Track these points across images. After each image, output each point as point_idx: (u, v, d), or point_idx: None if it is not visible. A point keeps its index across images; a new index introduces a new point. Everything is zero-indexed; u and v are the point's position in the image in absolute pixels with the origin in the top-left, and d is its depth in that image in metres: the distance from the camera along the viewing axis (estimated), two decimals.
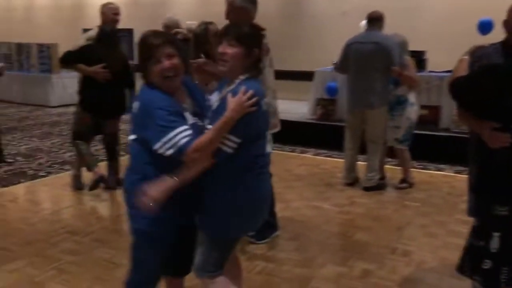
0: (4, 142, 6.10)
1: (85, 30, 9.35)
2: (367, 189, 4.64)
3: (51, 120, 8.47)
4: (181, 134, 1.83)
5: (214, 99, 2.06)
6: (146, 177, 1.95)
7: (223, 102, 1.91)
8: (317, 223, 3.89)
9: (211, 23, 3.39)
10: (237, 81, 1.96)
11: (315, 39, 8.26)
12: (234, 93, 1.88)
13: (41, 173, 5.22)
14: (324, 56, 7.54)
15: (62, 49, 10.40)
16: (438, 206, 4.31)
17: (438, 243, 3.54)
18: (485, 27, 5.75)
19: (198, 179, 1.96)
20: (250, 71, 1.98)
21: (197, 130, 1.91)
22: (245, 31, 1.98)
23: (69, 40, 10.57)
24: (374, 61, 4.42)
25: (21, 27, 12.36)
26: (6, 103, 10.05)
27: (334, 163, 5.76)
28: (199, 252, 2.11)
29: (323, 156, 6.09)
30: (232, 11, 3.08)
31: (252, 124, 1.91)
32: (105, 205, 4.31)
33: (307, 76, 7.40)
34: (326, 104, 6.64)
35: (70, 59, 4.33)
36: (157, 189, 1.87)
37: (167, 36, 2.04)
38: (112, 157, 4.63)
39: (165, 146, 1.84)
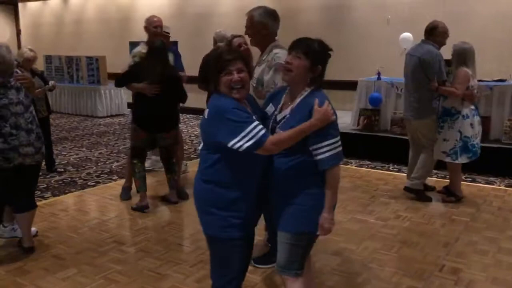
0: (55, 152, 6.38)
1: (132, 43, 9.66)
2: (405, 188, 4.74)
3: (98, 130, 8.78)
4: (258, 127, 2.01)
5: (271, 110, 2.24)
6: (215, 183, 2.12)
7: (300, 107, 2.10)
8: (361, 237, 3.83)
9: (238, 36, 3.42)
10: (305, 92, 2.14)
11: (358, 48, 8.18)
12: (321, 103, 2.06)
13: (89, 183, 5.41)
14: (367, 65, 7.46)
15: (110, 62, 10.85)
16: (489, 221, 4.15)
17: (488, 261, 3.41)
18: None
19: (279, 182, 2.14)
20: (313, 84, 2.14)
21: None
22: (314, 47, 2.12)
23: (116, 53, 11.03)
24: (415, 74, 4.53)
25: (71, 41, 12.92)
26: (58, 114, 10.50)
27: (378, 174, 5.67)
28: (280, 250, 2.22)
29: (366, 168, 6.01)
30: (251, 26, 3.06)
31: (336, 128, 2.13)
32: (151, 216, 4.40)
33: (350, 85, 7.33)
34: (369, 114, 6.54)
35: (122, 82, 4.50)
36: (328, 221, 2.16)
37: (239, 53, 2.21)
38: (170, 169, 4.65)
39: (244, 139, 1.99)
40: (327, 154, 2.07)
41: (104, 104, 10.33)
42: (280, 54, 2.97)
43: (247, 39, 3.25)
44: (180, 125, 9.29)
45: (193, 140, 7.92)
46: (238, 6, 9.68)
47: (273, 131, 2.14)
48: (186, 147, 7.34)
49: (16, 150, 3.19)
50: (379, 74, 6.71)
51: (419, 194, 4.65)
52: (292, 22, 8.75)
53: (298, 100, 2.14)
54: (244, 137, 1.99)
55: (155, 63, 4.27)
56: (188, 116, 10.41)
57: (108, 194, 4.98)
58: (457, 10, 7.33)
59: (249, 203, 2.15)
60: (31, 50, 5.36)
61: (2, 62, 3.15)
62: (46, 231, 3.95)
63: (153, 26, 4.76)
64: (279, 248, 2.23)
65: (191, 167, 5.93)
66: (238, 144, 1.99)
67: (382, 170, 5.92)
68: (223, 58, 2.12)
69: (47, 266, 3.34)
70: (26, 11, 14.49)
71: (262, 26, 3.03)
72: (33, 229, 3.77)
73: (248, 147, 1.99)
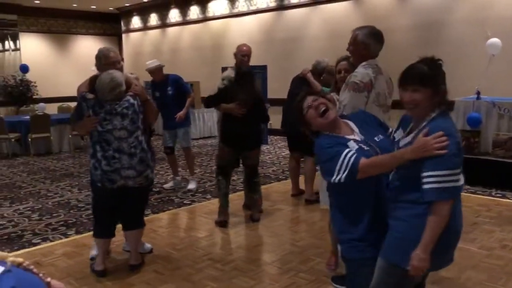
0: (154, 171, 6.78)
1: (223, 69, 10.08)
2: None
3: (192, 151, 9.16)
4: (348, 155, 2.06)
5: (398, 135, 2.14)
6: (338, 208, 2.27)
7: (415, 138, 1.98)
8: (462, 266, 3.60)
9: (344, 59, 3.50)
10: (429, 118, 1.97)
11: (454, 67, 7.79)
12: (430, 132, 1.90)
13: (185, 201, 5.67)
14: (465, 84, 7.09)
15: (203, 87, 11.38)
16: None
17: None
18: None
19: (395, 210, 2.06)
20: (439, 107, 1.98)
21: (363, 154, 2.08)
22: (426, 72, 1.95)
23: (209, 78, 11.55)
24: None
25: (168, 68, 13.71)
26: (156, 136, 11.15)
27: (479, 200, 5.32)
28: (374, 274, 2.12)
29: (465, 192, 5.65)
30: (353, 44, 3.08)
31: (454, 161, 1.88)
32: (244, 235, 4.51)
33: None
34: (468, 135, 6.18)
35: (211, 102, 4.82)
36: (417, 258, 1.91)
37: (307, 91, 2.40)
38: (252, 189, 4.87)
39: (340, 172, 2.07)
40: (431, 186, 1.87)
41: (198, 126, 10.81)
42: (358, 74, 2.97)
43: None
44: (268, 147, 9.50)
45: (281, 161, 8.00)
46: (327, 29, 9.74)
47: None
48: (274, 168, 7.45)
49: (118, 173, 3.39)
50: (478, 93, 6.34)
51: None
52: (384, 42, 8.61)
53: (421, 127, 1.99)
54: (339, 170, 2.07)
55: (243, 86, 4.55)
56: (275, 137, 10.57)
57: (203, 212, 5.17)
58: None
59: (367, 224, 2.16)
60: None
61: (103, 88, 3.33)
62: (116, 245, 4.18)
63: (241, 55, 5.04)
64: (375, 273, 2.13)
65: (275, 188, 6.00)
66: (337, 179, 2.08)
67: (483, 195, 5.54)
68: (296, 106, 2.31)
69: (148, 280, 3.53)
70: (128, 41, 15.75)
71: (364, 46, 3.02)
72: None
73: (345, 177, 2.06)
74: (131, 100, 3.42)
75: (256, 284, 3.42)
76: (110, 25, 15.85)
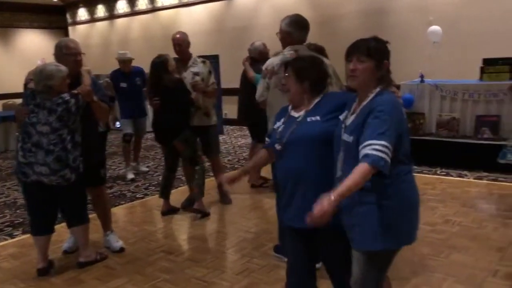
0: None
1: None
2: None
3: (145, 145, 9.02)
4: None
5: (343, 117, 2.12)
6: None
7: (363, 109, 1.98)
8: None
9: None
10: (371, 95, 2.00)
11: (400, 52, 7.98)
12: (375, 105, 1.94)
13: (138, 195, 5.59)
14: (409, 68, 7.31)
15: None
16: None
17: None
18: None
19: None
20: (381, 83, 2.02)
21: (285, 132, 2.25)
22: (373, 45, 2.01)
23: None
24: None
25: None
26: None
27: (424, 179, 5.53)
28: (354, 268, 2.09)
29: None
30: (279, 34, 3.33)
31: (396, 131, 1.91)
32: (198, 225, 4.49)
33: None
34: (414, 118, 6.40)
35: None
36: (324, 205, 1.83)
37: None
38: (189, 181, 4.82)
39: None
40: (365, 152, 1.85)
41: (151, 119, 10.61)
42: (266, 62, 3.29)
43: None
44: (224, 137, 9.46)
45: (236, 151, 8.01)
46: (277, 18, 9.74)
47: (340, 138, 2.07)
48: (229, 157, 7.45)
49: (31, 167, 3.28)
50: (422, 76, 6.56)
51: None
52: (331, 29, 8.75)
53: (364, 103, 2.01)
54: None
55: (156, 79, 4.50)
56: (231, 127, 10.56)
57: (156, 205, 5.11)
58: (507, 8, 7.06)
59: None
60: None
61: (34, 77, 3.33)
62: (99, 242, 4.11)
63: (173, 44, 5.00)
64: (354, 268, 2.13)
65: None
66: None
67: (429, 174, 5.76)
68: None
69: (99, 276, 3.47)
70: (75, 34, 15.21)
71: (287, 34, 3.25)
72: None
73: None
74: (66, 98, 3.28)
75: (209, 272, 3.43)
76: (55, 17, 15.26)
